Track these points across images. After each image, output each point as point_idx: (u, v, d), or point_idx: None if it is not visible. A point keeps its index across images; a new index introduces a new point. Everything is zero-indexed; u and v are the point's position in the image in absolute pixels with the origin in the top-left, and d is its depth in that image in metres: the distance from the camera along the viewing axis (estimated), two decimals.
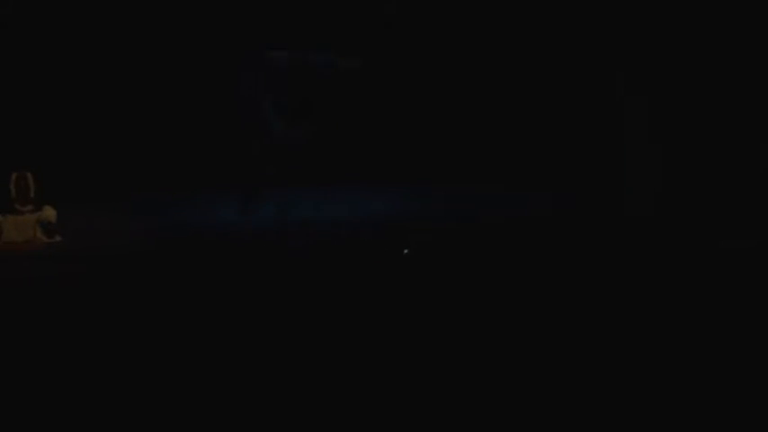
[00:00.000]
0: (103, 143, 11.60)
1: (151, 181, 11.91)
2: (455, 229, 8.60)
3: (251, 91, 10.60)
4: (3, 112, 10.12)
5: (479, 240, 5.72)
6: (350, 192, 11.42)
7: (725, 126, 9.00)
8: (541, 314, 3.94)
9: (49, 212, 8.57)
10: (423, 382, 3.05)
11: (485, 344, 3.45)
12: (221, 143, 11.81)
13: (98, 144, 11.47)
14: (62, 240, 8.52)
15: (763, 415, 2.91)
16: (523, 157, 11.98)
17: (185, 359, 3.38)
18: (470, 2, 11.61)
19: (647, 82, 9.21)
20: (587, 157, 10.51)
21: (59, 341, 3.77)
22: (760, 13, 8.57)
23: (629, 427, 2.83)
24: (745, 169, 8.95)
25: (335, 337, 3.40)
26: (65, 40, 10.50)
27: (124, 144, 11.81)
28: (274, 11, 10.70)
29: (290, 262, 5.78)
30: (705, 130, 9.03)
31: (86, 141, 11.33)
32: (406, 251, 5.16)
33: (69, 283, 7.23)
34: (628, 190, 9.40)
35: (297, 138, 10.58)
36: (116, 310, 4.98)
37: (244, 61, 10.59)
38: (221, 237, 7.94)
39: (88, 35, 10.65)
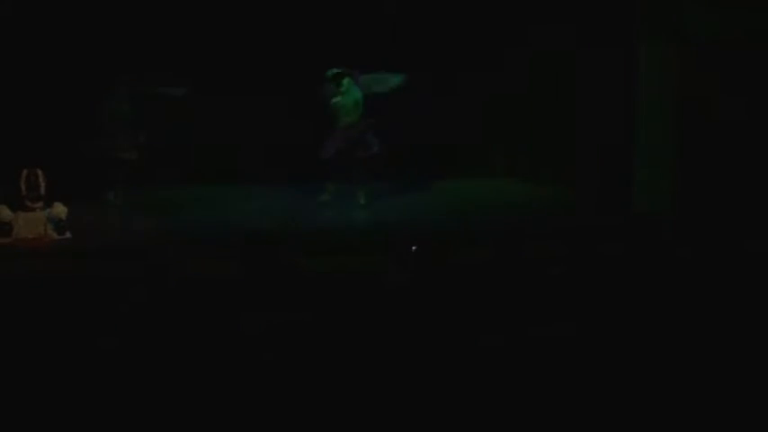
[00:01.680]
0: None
1: (160, 177, 11.96)
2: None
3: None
4: (13, 109, 10.16)
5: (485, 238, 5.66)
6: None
7: (740, 119, 8.92)
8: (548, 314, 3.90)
9: (60, 209, 8.59)
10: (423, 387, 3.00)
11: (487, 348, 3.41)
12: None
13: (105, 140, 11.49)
14: (72, 237, 8.53)
15: None
16: (533, 152, 11.97)
17: (190, 357, 3.36)
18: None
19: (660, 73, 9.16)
20: (597, 151, 10.45)
21: (68, 338, 3.75)
22: None
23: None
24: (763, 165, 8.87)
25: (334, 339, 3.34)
26: (68, 37, 10.53)
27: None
28: None
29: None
30: (719, 122, 8.97)
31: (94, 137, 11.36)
32: (414, 248, 5.11)
33: (78, 280, 7.25)
34: (639, 186, 9.36)
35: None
36: (124, 307, 4.97)
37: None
38: (229, 234, 7.93)
39: (89, 34, 10.70)
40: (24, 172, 8.73)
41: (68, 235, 8.54)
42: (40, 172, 8.76)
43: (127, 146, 10.28)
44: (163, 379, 3.18)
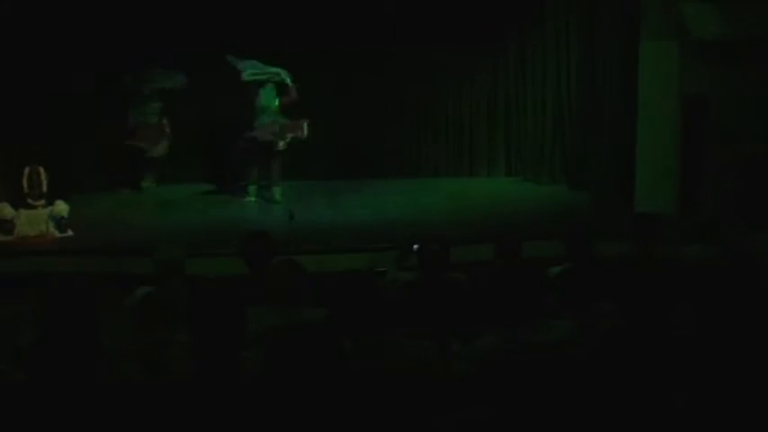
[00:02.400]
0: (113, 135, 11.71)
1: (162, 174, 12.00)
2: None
3: None
4: (14, 106, 10.18)
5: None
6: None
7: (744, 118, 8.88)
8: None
9: (62, 207, 8.61)
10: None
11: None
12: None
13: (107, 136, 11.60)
14: (74, 235, 8.55)
15: None
16: (538, 151, 11.97)
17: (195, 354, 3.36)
18: None
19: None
20: (600, 151, 10.44)
21: (70, 337, 3.73)
22: None
23: None
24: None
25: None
26: (68, 33, 10.59)
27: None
28: None
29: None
30: (722, 121, 8.94)
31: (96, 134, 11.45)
32: (416, 246, 5.12)
33: (81, 278, 7.25)
34: (641, 185, 9.35)
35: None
36: (126, 306, 4.97)
37: None
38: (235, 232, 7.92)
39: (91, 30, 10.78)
40: (26, 170, 8.74)
41: (70, 233, 8.55)
42: (41, 169, 8.77)
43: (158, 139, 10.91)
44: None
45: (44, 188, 8.72)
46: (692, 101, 9.10)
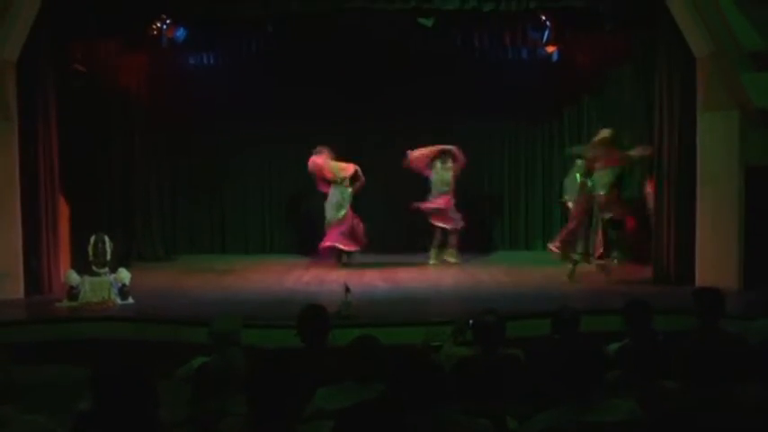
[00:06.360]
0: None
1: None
2: None
3: None
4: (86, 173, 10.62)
5: None
6: None
7: None
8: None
9: (124, 275, 8.78)
10: None
11: None
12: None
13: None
14: (134, 302, 8.70)
15: None
16: None
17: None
18: None
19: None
20: (661, 223, 10.26)
21: (125, 404, 3.76)
22: None
23: None
24: None
25: None
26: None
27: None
28: None
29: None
30: None
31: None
32: (472, 321, 5.07)
33: (142, 345, 7.36)
34: (702, 257, 9.13)
35: None
36: (183, 375, 5.01)
37: None
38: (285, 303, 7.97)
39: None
40: (92, 238, 8.96)
41: (131, 300, 8.70)
42: (106, 238, 8.98)
43: None
44: None
45: (108, 257, 8.91)
46: (754, 171, 8.95)
